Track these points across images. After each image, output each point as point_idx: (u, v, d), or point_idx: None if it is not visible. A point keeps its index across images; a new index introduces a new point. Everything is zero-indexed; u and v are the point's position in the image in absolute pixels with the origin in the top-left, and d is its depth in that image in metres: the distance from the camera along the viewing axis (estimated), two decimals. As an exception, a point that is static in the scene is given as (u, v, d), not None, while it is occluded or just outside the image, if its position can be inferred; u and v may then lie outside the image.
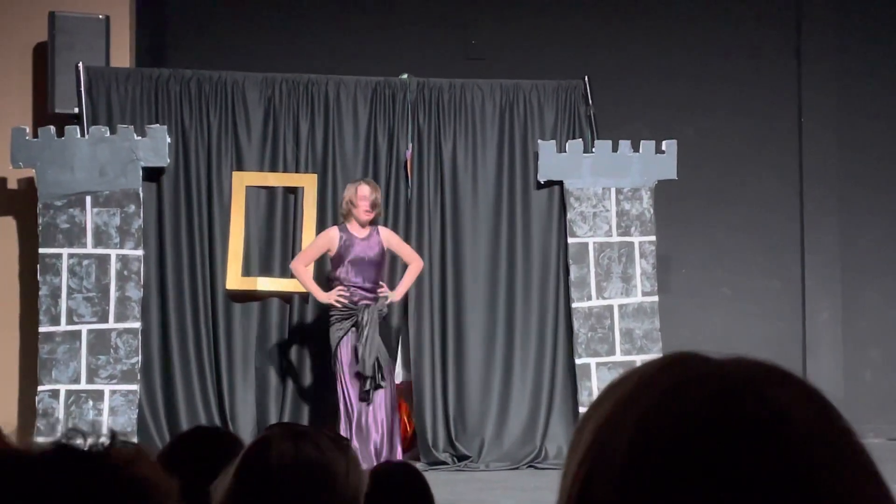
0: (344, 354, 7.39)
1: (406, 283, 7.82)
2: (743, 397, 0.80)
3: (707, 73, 9.96)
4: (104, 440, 1.13)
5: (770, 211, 9.99)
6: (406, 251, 7.86)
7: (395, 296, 7.71)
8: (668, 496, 0.77)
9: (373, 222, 7.62)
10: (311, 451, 1.90)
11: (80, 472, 1.10)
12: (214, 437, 2.66)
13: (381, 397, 7.37)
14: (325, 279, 7.81)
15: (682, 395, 0.81)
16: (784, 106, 10.04)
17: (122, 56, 8.89)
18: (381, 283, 7.60)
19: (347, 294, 7.45)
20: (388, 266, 7.91)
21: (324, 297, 7.54)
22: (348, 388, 7.36)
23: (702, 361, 0.84)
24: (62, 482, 1.08)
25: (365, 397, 7.35)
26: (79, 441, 1.13)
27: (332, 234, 7.61)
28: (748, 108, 9.97)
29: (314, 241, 7.81)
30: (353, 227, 7.56)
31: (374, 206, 7.59)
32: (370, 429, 7.35)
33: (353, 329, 7.41)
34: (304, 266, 7.66)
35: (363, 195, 7.58)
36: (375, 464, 7.26)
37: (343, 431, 7.26)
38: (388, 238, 7.71)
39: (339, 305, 7.44)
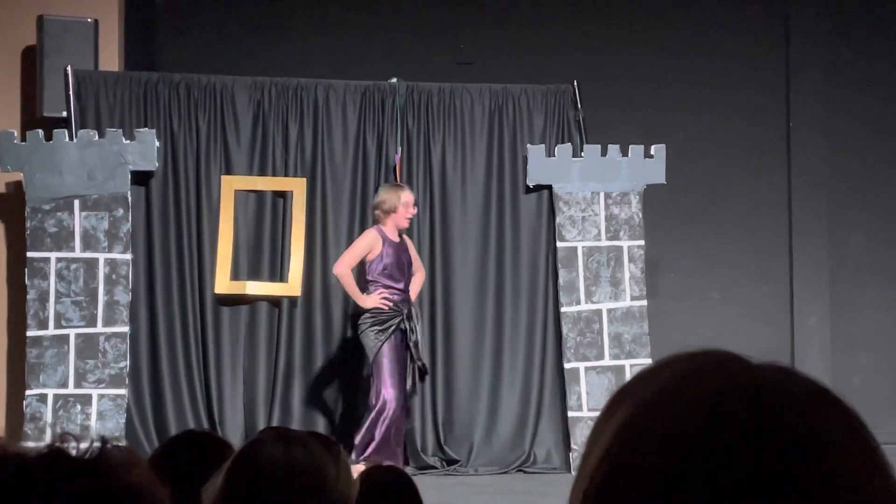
0: (387, 357, 7.47)
1: (416, 291, 7.89)
2: (786, 412, 0.81)
3: (696, 77, 9.98)
4: (96, 445, 1.13)
5: (759, 215, 10.02)
6: (417, 261, 7.94)
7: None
8: (700, 492, 0.78)
9: None
10: (301, 454, 1.90)
11: (72, 477, 1.09)
12: (204, 441, 2.65)
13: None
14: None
15: (727, 397, 0.81)
16: (772, 110, 10.06)
17: (110, 60, 8.87)
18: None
19: (389, 296, 7.53)
20: None
21: (368, 301, 7.54)
22: (390, 389, 7.41)
23: (742, 367, 0.84)
24: (55, 487, 1.08)
25: (414, 392, 7.64)
26: (71, 445, 1.13)
27: (374, 237, 7.64)
28: (737, 112, 9.99)
29: (357, 245, 7.72)
30: (388, 231, 7.64)
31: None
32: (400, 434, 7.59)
33: (398, 331, 7.50)
34: (349, 270, 7.62)
35: (410, 202, 7.69)
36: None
37: (374, 433, 7.40)
38: (409, 245, 7.88)
39: (385, 308, 7.48)
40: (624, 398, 0.85)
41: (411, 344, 7.54)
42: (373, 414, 7.47)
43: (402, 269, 7.67)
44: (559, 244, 8.53)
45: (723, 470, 0.78)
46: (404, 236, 7.85)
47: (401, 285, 7.65)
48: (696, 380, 0.83)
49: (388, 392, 7.47)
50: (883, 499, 0.81)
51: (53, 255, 8.05)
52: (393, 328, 7.51)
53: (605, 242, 8.55)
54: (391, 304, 7.53)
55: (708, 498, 0.77)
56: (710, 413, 0.80)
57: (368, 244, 7.63)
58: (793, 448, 0.79)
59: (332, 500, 1.90)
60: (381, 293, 7.53)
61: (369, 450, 7.42)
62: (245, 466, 1.88)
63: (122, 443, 7.74)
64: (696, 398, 0.81)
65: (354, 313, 7.96)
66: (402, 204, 7.65)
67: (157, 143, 8.23)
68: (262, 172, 8.54)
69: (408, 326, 7.54)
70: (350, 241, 8.53)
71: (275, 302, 8.49)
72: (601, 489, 0.81)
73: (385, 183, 8.17)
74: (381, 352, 7.48)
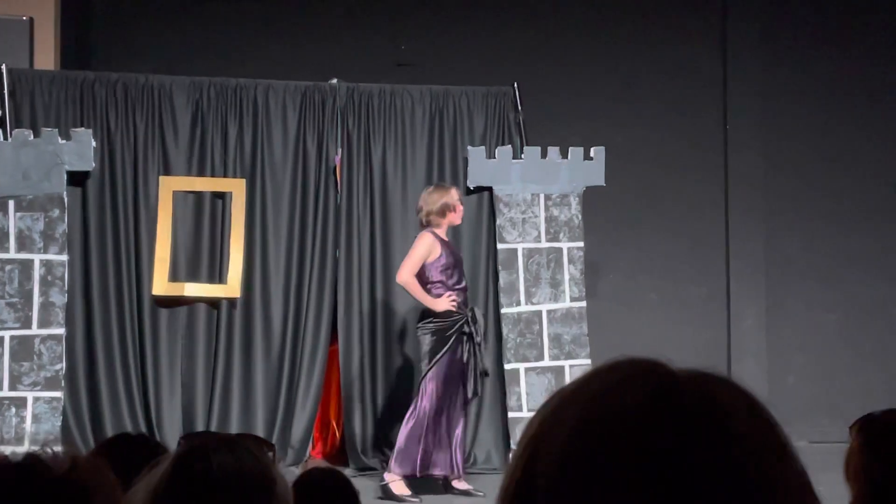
0: (442, 372, 7.35)
1: None
2: (683, 393, 0.83)
3: (634, 81, 10.07)
4: (67, 458, 1.13)
5: (696, 218, 10.13)
6: None
7: None
8: (603, 477, 0.80)
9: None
10: (250, 460, 1.87)
11: (47, 492, 1.09)
12: (139, 444, 2.62)
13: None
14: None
15: (627, 387, 0.84)
16: (710, 114, 10.18)
17: (46, 58, 8.76)
18: None
19: (456, 297, 7.43)
20: None
21: (440, 304, 7.38)
22: (427, 401, 7.34)
23: (652, 363, 0.88)
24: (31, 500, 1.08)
25: (476, 395, 7.53)
26: (47, 455, 1.13)
27: (431, 240, 7.46)
28: (675, 115, 10.10)
29: (416, 251, 7.46)
30: (441, 233, 7.53)
31: None
32: (455, 438, 7.47)
33: (460, 336, 7.39)
34: (413, 276, 7.42)
35: (460, 198, 7.58)
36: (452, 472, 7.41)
37: (415, 439, 7.36)
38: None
39: (454, 310, 7.38)
40: (546, 404, 0.89)
41: (475, 347, 7.40)
42: (409, 425, 7.39)
43: (460, 268, 7.57)
44: (499, 246, 8.55)
45: (626, 449, 0.80)
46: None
47: (462, 284, 7.53)
48: (603, 376, 0.87)
49: (426, 402, 7.36)
50: (782, 475, 0.83)
51: (-13, 257, 7.93)
52: (454, 336, 7.37)
53: (544, 244, 8.59)
54: (456, 306, 7.40)
55: (611, 478, 0.80)
56: (611, 402, 0.83)
57: (427, 248, 7.43)
58: (694, 425, 0.81)
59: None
60: (449, 296, 7.38)
61: (393, 457, 7.40)
62: (194, 475, 1.84)
63: (58, 447, 7.64)
64: (599, 391, 0.85)
65: (422, 314, 7.62)
66: (457, 201, 7.53)
67: (94, 143, 8.13)
68: (201, 173, 8.47)
69: (472, 329, 7.39)
70: (290, 241, 8.50)
71: (214, 303, 8.42)
72: (518, 487, 0.84)
73: (430, 185, 7.87)
74: (439, 364, 7.34)
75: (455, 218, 7.57)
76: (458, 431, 7.53)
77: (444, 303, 7.40)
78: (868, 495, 2.63)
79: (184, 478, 1.83)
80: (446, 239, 7.58)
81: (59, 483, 1.10)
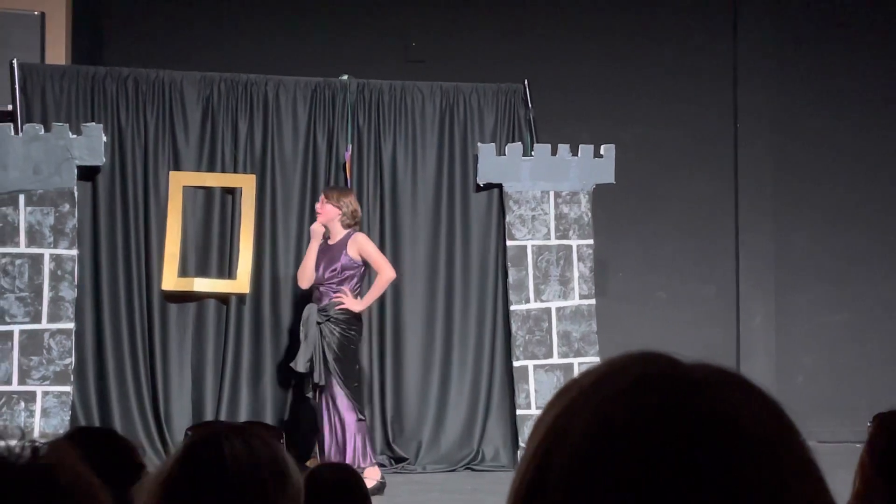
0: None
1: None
2: (698, 396, 0.83)
3: (645, 79, 10.06)
4: (28, 443, 1.12)
5: (705, 216, 10.11)
6: None
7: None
8: (617, 480, 0.79)
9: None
10: (262, 447, 1.87)
11: (8, 479, 1.09)
12: (102, 439, 2.56)
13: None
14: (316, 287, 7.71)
15: (642, 387, 0.83)
16: (720, 112, 10.17)
17: (57, 53, 8.78)
18: None
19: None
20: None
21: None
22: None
23: (667, 361, 0.87)
24: None
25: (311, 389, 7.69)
26: (8, 442, 1.12)
27: None
28: (685, 113, 10.08)
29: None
30: None
31: None
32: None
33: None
34: None
35: None
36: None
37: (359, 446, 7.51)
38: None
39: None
40: (558, 399, 0.88)
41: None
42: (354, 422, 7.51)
43: None
44: (509, 243, 8.55)
45: (642, 450, 0.80)
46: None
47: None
48: (618, 374, 0.86)
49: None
50: (795, 477, 0.83)
51: (-2, 251, 7.95)
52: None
53: (554, 241, 8.58)
54: None
55: (626, 477, 0.79)
56: (626, 403, 0.83)
57: None
58: (710, 428, 0.81)
59: (294, 491, 1.89)
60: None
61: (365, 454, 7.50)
62: (207, 463, 1.84)
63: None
64: (614, 391, 0.84)
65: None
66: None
67: (105, 138, 8.14)
68: (211, 168, 8.48)
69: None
70: (300, 238, 8.51)
71: (223, 299, 8.43)
72: (529, 486, 0.83)
73: (337, 185, 8.08)
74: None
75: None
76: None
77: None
78: (880, 488, 2.63)
79: (200, 467, 1.83)
80: None
81: (22, 470, 1.09)
